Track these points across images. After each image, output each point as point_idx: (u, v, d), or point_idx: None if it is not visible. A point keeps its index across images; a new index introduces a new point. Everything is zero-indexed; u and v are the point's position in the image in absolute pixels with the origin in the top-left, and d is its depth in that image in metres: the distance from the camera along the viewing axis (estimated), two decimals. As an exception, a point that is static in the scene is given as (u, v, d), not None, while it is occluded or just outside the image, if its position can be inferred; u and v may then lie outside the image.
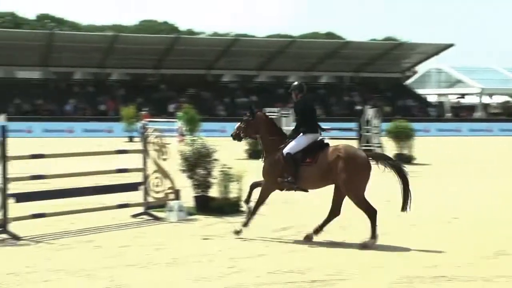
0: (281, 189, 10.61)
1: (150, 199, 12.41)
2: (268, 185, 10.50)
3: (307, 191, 10.59)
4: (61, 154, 14.93)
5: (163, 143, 12.69)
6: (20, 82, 55.95)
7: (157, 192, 12.51)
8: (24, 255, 9.20)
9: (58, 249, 9.58)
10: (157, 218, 12.13)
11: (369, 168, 9.90)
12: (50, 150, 25.96)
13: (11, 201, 10.36)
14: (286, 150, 10.20)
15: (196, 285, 7.77)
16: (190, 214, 12.35)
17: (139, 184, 12.44)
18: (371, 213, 9.84)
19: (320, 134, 10.42)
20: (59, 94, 52.50)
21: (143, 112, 38.97)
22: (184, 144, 13.87)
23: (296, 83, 10.85)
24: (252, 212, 10.50)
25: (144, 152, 12.44)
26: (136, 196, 12.52)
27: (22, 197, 10.85)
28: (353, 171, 9.76)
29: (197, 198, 12.85)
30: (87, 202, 12.62)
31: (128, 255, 9.22)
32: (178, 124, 35.76)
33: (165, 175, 12.60)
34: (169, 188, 12.61)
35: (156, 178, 12.52)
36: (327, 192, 10.39)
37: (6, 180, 10.27)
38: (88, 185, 12.91)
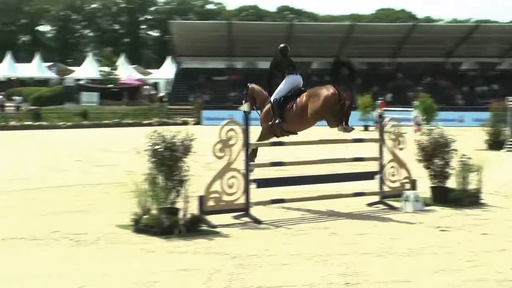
0: (276, 135, 12.30)
1: (385, 189, 12.35)
2: (263, 131, 12.32)
3: (297, 134, 12.50)
4: (300, 142, 15.30)
5: (400, 132, 12.56)
6: (261, 72, 58.28)
7: (393, 182, 12.42)
8: (264, 238, 9.56)
9: (295, 234, 9.85)
10: (392, 208, 12.04)
11: (329, 98, 11.42)
12: (287, 138, 26.79)
13: (252, 186, 10.82)
14: (272, 97, 12.12)
15: (433, 277, 7.60)
16: (427, 204, 12.10)
17: (375, 173, 12.41)
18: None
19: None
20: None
21: (379, 101, 38.99)
22: (421, 133, 13.60)
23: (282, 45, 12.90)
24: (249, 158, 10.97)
25: (381, 141, 12.39)
26: (372, 185, 12.52)
27: (262, 183, 11.28)
28: (316, 101, 11.33)
29: (434, 189, 12.57)
30: (323, 189, 12.84)
31: (363, 243, 9.25)
32: (414, 113, 35.22)
33: (401, 164, 12.47)
34: (405, 178, 12.47)
35: (392, 167, 12.43)
36: None
37: (248, 166, 10.75)
38: (324, 173, 13.11)
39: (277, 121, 12.05)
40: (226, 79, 53.93)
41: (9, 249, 8.73)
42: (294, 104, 11.87)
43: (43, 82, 70.45)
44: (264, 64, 60.85)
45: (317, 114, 11.61)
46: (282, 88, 12.18)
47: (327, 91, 11.54)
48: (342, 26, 65.23)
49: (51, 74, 73.51)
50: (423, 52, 56.70)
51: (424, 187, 12.65)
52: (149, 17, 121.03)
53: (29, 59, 77.81)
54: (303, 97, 11.78)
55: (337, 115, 11.55)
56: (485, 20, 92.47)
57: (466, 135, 25.51)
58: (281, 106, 11.98)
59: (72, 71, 75.96)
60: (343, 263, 8.14)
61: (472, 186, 12.41)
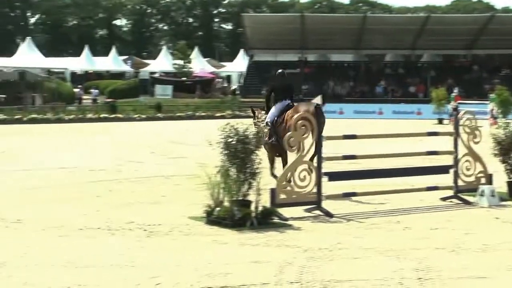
0: (279, 154, 12.63)
1: (460, 183, 12.13)
2: (267, 153, 12.76)
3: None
4: (372, 135, 15.25)
5: (475, 126, 12.33)
6: (334, 64, 58.00)
7: (468, 176, 12.19)
8: (335, 231, 9.55)
9: (368, 228, 9.79)
10: (467, 203, 11.83)
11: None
12: (360, 131, 26.60)
13: (324, 180, 10.80)
14: (266, 120, 12.88)
15: (509, 274, 7.45)
16: (503, 199, 11.85)
17: (449, 167, 12.21)
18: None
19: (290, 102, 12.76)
20: (370, 76, 53.43)
21: (454, 94, 38.28)
22: (497, 127, 13.30)
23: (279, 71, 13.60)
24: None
25: (455, 134, 12.17)
26: (445, 179, 12.32)
27: (334, 176, 11.26)
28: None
29: (510, 184, 12.29)
30: (396, 183, 12.72)
31: (437, 238, 9.13)
32: (490, 106, 34.45)
33: (477, 158, 12.24)
34: (481, 172, 12.22)
35: (467, 161, 12.20)
36: None
37: (320, 159, 10.74)
38: (397, 166, 12.98)
39: (272, 139, 12.62)
40: (298, 71, 53.85)
41: (86, 239, 8.97)
42: (282, 120, 12.53)
43: (119, 75, 71.86)
44: (337, 57, 60.74)
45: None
46: (272, 112, 12.88)
47: (307, 107, 11.73)
48: (416, 17, 64.31)
49: (127, 67, 74.92)
50: (500, 44, 55.26)
51: (500, 182, 12.38)
52: (222, 10, 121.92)
53: (105, 53, 79.49)
54: (289, 112, 12.31)
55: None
56: None
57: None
58: (273, 124, 12.73)
59: (147, 64, 77.27)
60: (416, 258, 8.06)
61: (550, 181, 12.09)
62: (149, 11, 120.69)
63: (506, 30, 52.33)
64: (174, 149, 21.34)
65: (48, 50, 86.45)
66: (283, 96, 12.96)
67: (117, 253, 8.22)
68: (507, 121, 13.01)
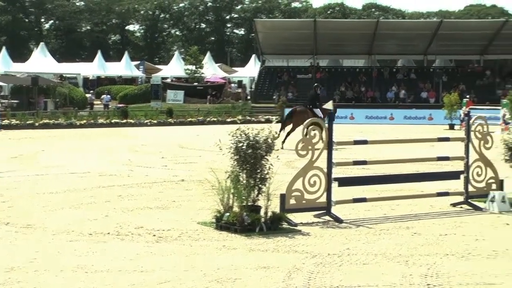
0: None
1: (470, 189, 12.08)
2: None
3: None
4: (383, 141, 15.20)
5: (487, 131, 12.28)
6: (345, 70, 57.95)
7: (479, 182, 12.14)
8: (345, 237, 9.53)
9: (377, 234, 9.77)
10: (477, 208, 11.78)
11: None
12: (371, 136, 26.57)
13: (334, 185, 10.78)
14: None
15: (518, 281, 7.42)
16: (514, 206, 11.79)
17: (460, 172, 12.17)
18: None
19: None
20: (382, 81, 53.35)
21: (467, 99, 38.13)
22: (508, 132, 13.25)
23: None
24: None
25: (467, 140, 12.13)
26: (456, 185, 12.28)
27: (344, 182, 11.24)
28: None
29: (521, 190, 12.23)
30: (406, 188, 12.70)
31: (446, 244, 9.10)
32: (502, 111, 34.31)
33: (488, 164, 12.19)
34: (491, 178, 12.17)
35: (478, 167, 12.15)
36: None
37: (331, 164, 10.72)
38: (408, 171, 12.94)
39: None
40: (310, 77, 53.85)
41: (95, 244, 8.99)
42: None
43: (131, 80, 72.09)
44: (349, 62, 60.76)
45: None
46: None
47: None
48: (429, 23, 64.26)
49: (139, 73, 75.17)
50: (514, 49, 55.14)
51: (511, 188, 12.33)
52: (235, 15, 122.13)
53: (118, 58, 79.80)
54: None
55: None
56: None
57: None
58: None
59: (159, 70, 77.47)
60: (425, 264, 8.04)
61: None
62: (162, 16, 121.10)
63: (519, 36, 52.13)
64: (185, 154, 21.37)
65: (61, 55, 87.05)
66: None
67: (126, 258, 8.24)
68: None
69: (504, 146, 12.37)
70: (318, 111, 23.49)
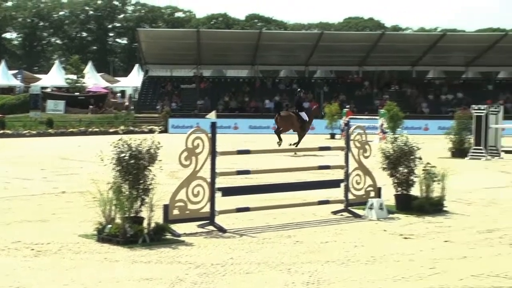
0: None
1: (350, 196, 12.40)
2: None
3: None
4: (266, 150, 15.41)
5: (365, 141, 12.65)
6: (230, 80, 58.32)
7: (358, 190, 12.48)
8: (228, 247, 9.55)
9: (260, 243, 9.85)
10: (357, 216, 12.10)
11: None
12: (254, 146, 26.84)
13: (217, 195, 10.80)
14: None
15: (395, 285, 7.65)
16: (391, 212, 12.19)
17: (341, 181, 12.47)
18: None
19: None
20: (265, 91, 54.04)
21: (346, 109, 39.22)
22: (386, 141, 13.70)
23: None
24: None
25: (346, 149, 12.44)
26: (337, 193, 12.58)
27: (227, 191, 11.28)
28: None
29: (398, 197, 12.67)
30: (289, 197, 12.89)
31: (327, 251, 9.29)
32: (380, 121, 35.50)
33: (366, 172, 12.55)
34: (370, 186, 12.55)
35: (357, 175, 12.49)
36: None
37: (214, 174, 10.73)
38: (290, 181, 13.15)
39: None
40: (193, 87, 53.87)
41: (-31, 260, 8.60)
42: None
43: (8, 90, 69.63)
44: (232, 72, 61.17)
45: None
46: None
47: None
48: (310, 34, 65.87)
49: (17, 82, 72.74)
50: (390, 61, 57.25)
51: (389, 195, 12.74)
52: (117, 24, 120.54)
53: (-6, 67, 76.86)
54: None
55: None
56: (452, 30, 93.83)
57: (431, 143, 25.75)
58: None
59: (39, 79, 75.24)
60: (307, 271, 8.16)
61: (435, 194, 12.54)
62: (41, 24, 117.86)
63: (395, 48, 54.24)
64: (66, 166, 20.86)
65: None
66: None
67: (1, 273, 7.92)
68: (396, 135, 13.40)
69: (381, 154, 12.76)
70: (303, 114, 26.05)
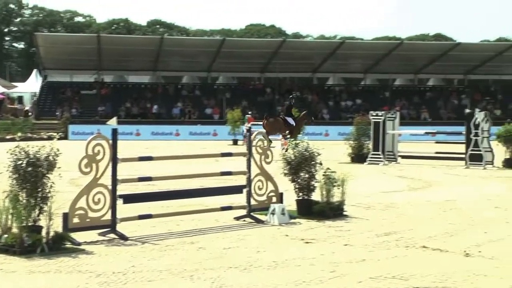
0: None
1: (253, 202, 12.49)
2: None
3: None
4: (168, 157, 15.31)
5: (267, 146, 12.77)
6: (131, 86, 57.66)
7: (260, 195, 12.58)
8: (130, 255, 9.44)
9: (163, 250, 9.78)
10: (259, 221, 12.19)
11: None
12: (157, 152, 26.64)
13: (119, 202, 10.66)
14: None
15: (296, 289, 7.76)
16: (292, 217, 12.35)
17: (243, 186, 12.54)
18: None
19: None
20: (167, 97, 53.73)
21: (248, 115, 39.49)
22: (287, 147, 13.88)
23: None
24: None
25: (249, 155, 12.52)
26: (240, 199, 12.64)
27: (129, 198, 11.15)
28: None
29: (299, 202, 12.85)
30: (192, 204, 12.86)
31: (230, 257, 9.32)
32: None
33: (268, 178, 12.67)
34: (272, 192, 12.67)
35: (259, 181, 12.59)
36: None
37: (115, 181, 10.59)
38: (193, 187, 13.12)
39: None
40: (94, 93, 53.00)
41: None
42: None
43: None
44: (134, 78, 60.43)
45: None
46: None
47: None
48: (212, 40, 65.90)
49: None
50: (291, 67, 57.99)
51: (290, 200, 12.90)
52: (14, 28, 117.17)
53: None
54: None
55: None
56: (350, 37, 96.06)
57: (331, 148, 26.27)
58: None
59: None
60: (210, 277, 8.17)
61: (335, 198, 12.79)
62: None
63: (296, 55, 55.00)
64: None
65: None
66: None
67: None
68: (297, 141, 13.59)
69: (283, 160, 12.91)
70: (290, 119, 26.81)
